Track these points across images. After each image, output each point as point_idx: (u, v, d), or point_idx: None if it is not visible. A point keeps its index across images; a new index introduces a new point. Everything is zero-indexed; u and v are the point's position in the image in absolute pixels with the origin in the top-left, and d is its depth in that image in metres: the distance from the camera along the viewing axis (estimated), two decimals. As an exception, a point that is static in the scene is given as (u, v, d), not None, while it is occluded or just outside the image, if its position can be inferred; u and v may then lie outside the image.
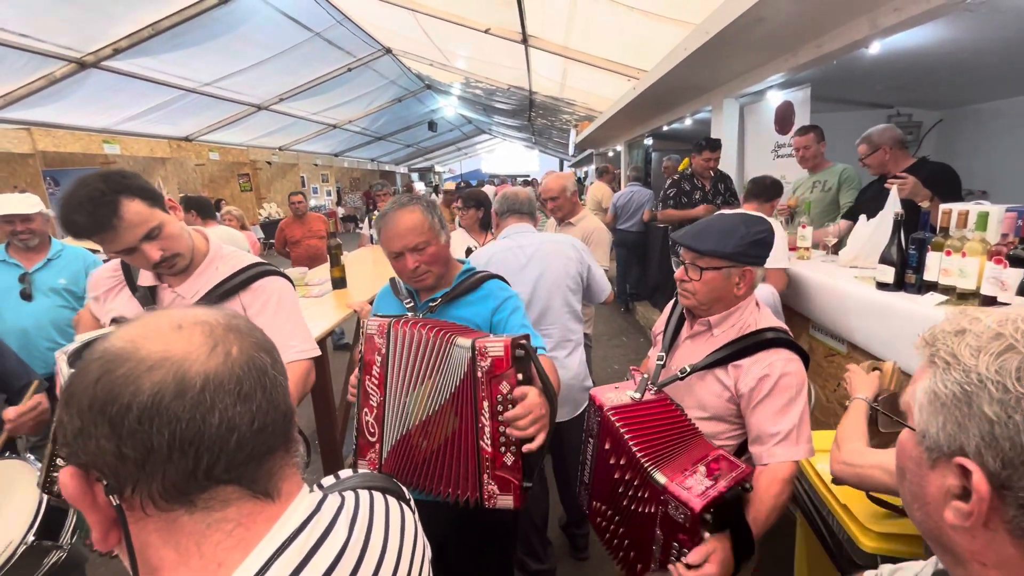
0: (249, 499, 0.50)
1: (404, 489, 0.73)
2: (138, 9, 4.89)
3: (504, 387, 1.14)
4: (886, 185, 2.28)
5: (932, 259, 1.77)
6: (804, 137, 3.21)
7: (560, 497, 2.42)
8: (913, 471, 0.52)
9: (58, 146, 6.17)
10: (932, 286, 1.78)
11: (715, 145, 3.99)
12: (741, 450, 1.35)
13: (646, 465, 1.13)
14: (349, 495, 0.61)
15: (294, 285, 1.56)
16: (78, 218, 1.14)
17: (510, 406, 1.15)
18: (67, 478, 0.47)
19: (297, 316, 1.51)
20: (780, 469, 1.22)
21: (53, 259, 2.43)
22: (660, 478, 1.10)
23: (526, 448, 1.16)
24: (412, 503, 0.72)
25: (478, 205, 3.14)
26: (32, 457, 1.54)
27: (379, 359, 1.29)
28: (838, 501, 1.33)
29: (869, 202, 2.66)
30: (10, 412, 1.45)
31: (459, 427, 1.21)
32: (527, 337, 1.19)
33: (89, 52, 5.18)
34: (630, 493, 1.19)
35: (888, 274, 1.91)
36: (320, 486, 0.65)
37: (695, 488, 1.06)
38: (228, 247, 1.48)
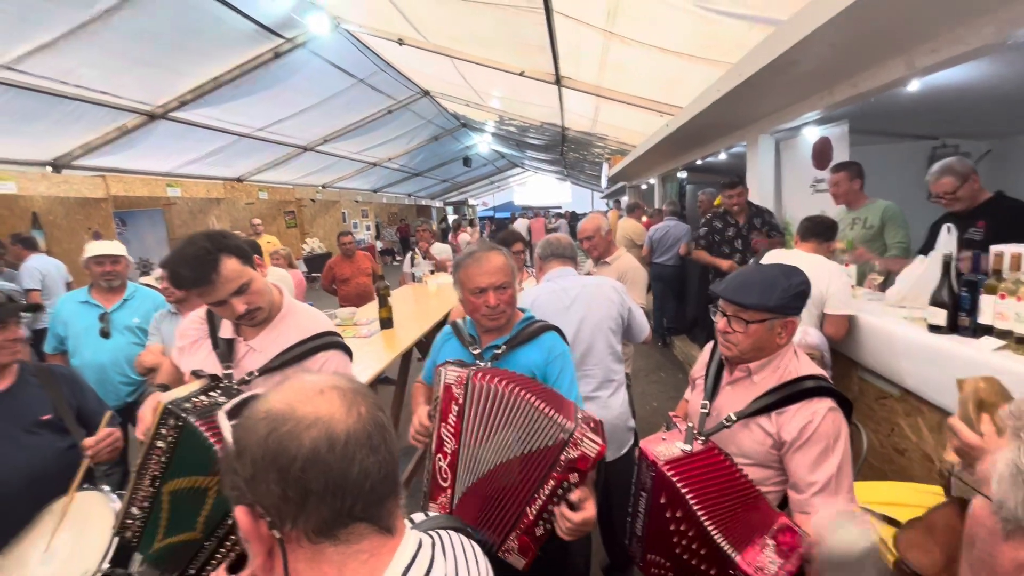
0: (376, 534, 0.59)
1: (472, 531, 0.79)
2: (204, 65, 5.35)
3: (573, 477, 1.18)
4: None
5: (986, 302, 1.73)
6: (835, 175, 3.19)
7: (603, 540, 2.39)
8: (984, 540, 0.51)
9: (127, 190, 6.67)
10: (987, 330, 1.73)
11: (732, 183, 4.00)
12: (787, 497, 1.34)
13: (712, 533, 1.13)
14: (435, 534, 0.69)
15: (341, 346, 1.59)
16: (184, 272, 1.29)
17: (569, 495, 1.18)
18: (241, 515, 0.58)
19: None
20: None
21: (129, 299, 2.64)
22: (732, 553, 1.11)
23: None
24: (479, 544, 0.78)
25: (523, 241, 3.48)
26: (107, 488, 1.66)
27: (456, 408, 1.32)
28: (898, 561, 1.28)
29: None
30: (88, 441, 1.59)
31: (518, 485, 1.24)
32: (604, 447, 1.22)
33: (158, 104, 5.67)
34: (684, 543, 1.20)
35: (940, 316, 1.87)
36: None
37: (768, 569, 1.07)
38: (301, 303, 1.61)
